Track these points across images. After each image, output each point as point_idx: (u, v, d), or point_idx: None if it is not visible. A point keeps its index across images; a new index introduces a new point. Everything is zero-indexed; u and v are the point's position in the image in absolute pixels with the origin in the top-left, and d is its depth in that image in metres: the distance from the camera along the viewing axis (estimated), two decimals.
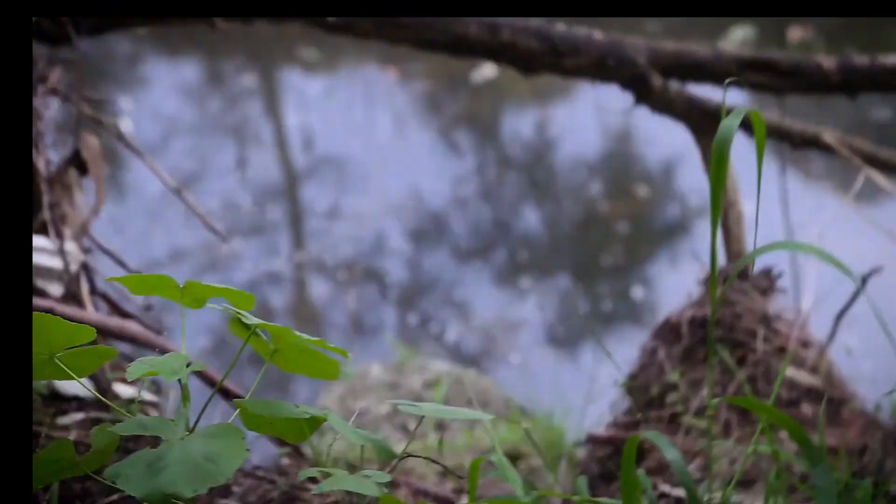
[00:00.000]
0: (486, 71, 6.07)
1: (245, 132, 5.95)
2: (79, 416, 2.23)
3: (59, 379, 1.71)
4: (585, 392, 3.24)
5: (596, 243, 5.13)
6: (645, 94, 2.82)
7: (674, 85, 2.82)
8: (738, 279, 2.74)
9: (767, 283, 2.75)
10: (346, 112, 6.05)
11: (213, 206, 5.05)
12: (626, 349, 4.25)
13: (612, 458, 2.65)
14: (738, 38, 5.98)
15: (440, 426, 3.33)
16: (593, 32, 2.85)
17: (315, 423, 1.67)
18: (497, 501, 1.84)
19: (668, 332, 2.72)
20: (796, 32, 6.07)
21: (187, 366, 1.63)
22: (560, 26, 2.84)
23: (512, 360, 4.55)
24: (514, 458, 3.13)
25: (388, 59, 6.36)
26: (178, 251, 4.94)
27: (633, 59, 2.80)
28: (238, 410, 1.62)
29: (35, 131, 2.44)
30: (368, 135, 5.95)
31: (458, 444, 3.22)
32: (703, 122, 2.81)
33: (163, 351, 2.40)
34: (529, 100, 6.13)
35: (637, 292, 4.73)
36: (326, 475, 1.62)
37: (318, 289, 4.97)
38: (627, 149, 5.88)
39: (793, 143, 2.83)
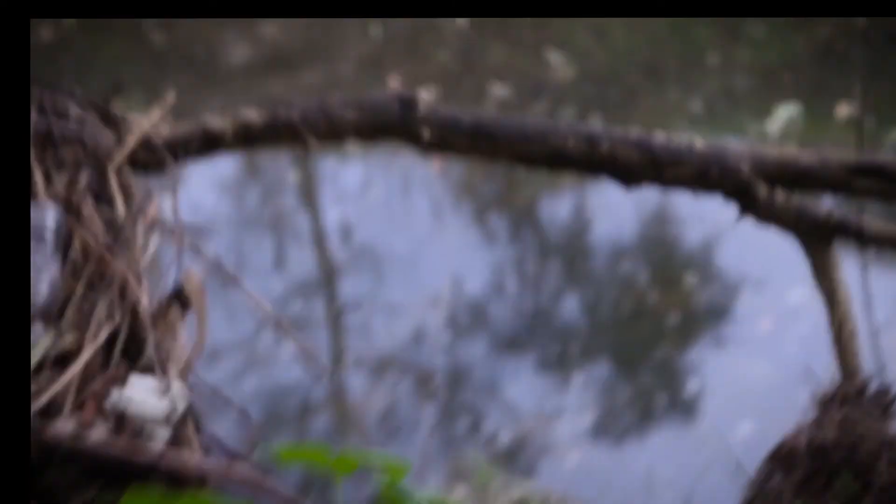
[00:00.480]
0: None
1: (282, 225, 5.88)
2: None
3: None
4: None
5: (644, 332, 5.03)
6: (750, 205, 2.74)
7: (780, 195, 2.74)
8: (855, 399, 2.65)
9: (887, 401, 2.66)
10: (383, 203, 5.98)
11: (249, 303, 4.93)
12: (675, 442, 4.15)
13: None
14: (783, 117, 5.92)
15: None
16: (694, 143, 2.77)
17: None
18: None
19: (784, 457, 2.62)
20: (844, 109, 6.03)
21: None
22: (660, 136, 2.77)
23: (560, 458, 4.44)
24: None
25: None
26: (217, 348, 4.86)
27: (737, 169, 2.72)
28: None
29: (138, 268, 2.37)
30: (406, 225, 5.88)
31: None
32: (813, 232, 2.73)
33: (274, 494, 2.31)
34: (566, 185, 6.07)
35: (683, 381, 4.64)
36: None
37: (357, 385, 4.88)
38: (664, 231, 5.80)
39: None
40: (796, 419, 2.75)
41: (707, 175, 2.72)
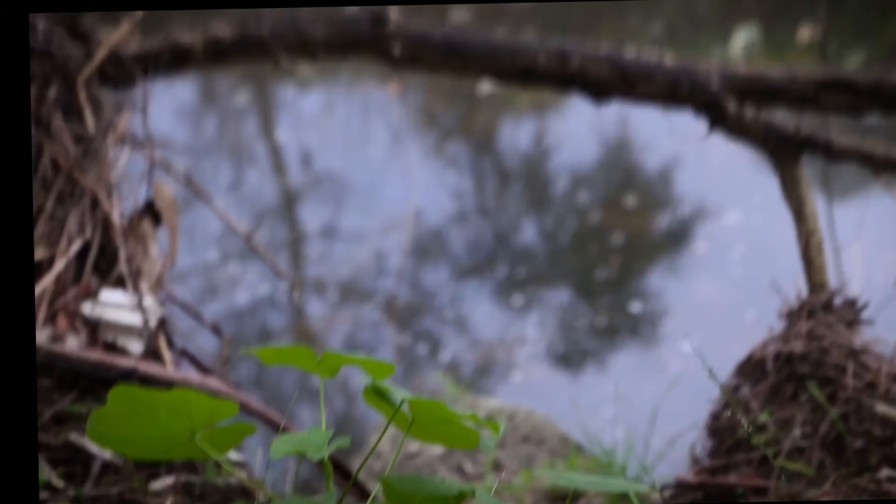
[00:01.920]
0: (487, 86, 6.01)
1: (240, 151, 5.84)
2: (169, 479, 2.14)
3: (198, 458, 1.65)
4: (644, 426, 3.16)
5: (595, 255, 5.06)
6: (719, 120, 2.75)
7: (749, 110, 2.75)
8: (821, 312, 2.67)
9: (853, 314, 2.68)
10: (342, 128, 5.95)
11: (211, 229, 4.94)
12: (630, 362, 4.18)
13: None
14: (741, 40, 5.93)
15: (496, 466, 3.25)
16: (664, 58, 2.78)
17: (460, 499, 1.61)
18: None
19: (752, 368, 2.64)
20: (805, 33, 6.02)
21: (329, 442, 1.58)
22: (630, 52, 2.77)
23: (519, 379, 4.47)
24: (574, 497, 3.03)
25: (386, 75, 6.27)
26: (178, 274, 4.84)
27: (706, 85, 2.73)
28: (381, 486, 1.57)
29: (108, 182, 2.36)
30: (366, 150, 5.85)
31: (515, 485, 3.13)
32: (781, 147, 2.74)
33: (245, 406, 2.33)
34: (529, 112, 6.07)
35: (638, 305, 4.67)
36: None
37: (318, 310, 4.88)
38: (625, 158, 5.81)
39: (875, 166, 2.77)
40: (741, 336, 2.79)
41: (677, 90, 2.73)
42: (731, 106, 2.74)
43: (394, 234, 5.25)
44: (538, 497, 2.89)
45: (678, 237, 4.92)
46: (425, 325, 4.76)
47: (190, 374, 2.34)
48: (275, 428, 2.31)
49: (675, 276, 4.78)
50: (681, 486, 2.56)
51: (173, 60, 2.63)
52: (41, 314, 2.22)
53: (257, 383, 3.98)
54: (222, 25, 2.71)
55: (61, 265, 2.30)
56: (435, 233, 5.30)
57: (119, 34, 2.63)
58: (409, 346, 4.72)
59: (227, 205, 5.20)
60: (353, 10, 2.76)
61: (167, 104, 5.82)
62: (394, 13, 2.78)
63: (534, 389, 4.31)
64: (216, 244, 4.95)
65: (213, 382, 2.31)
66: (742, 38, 5.78)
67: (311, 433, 1.60)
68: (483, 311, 4.79)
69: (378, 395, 1.60)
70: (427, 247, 5.17)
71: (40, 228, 2.37)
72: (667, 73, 2.74)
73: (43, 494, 1.87)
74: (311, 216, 5.41)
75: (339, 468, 2.29)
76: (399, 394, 1.62)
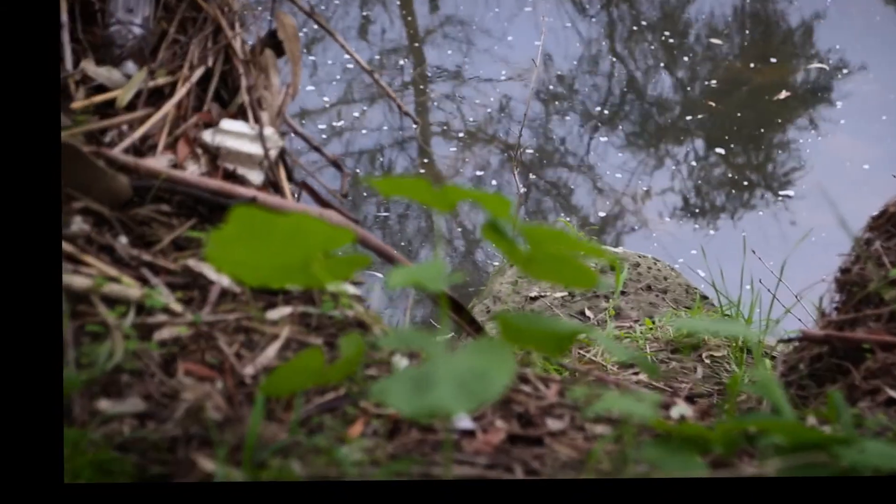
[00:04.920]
0: None
1: None
2: (286, 310, 2.12)
3: (313, 287, 1.64)
4: (772, 280, 3.09)
5: (730, 108, 4.95)
6: None
7: None
8: None
9: None
10: None
11: (334, 68, 4.92)
12: (762, 216, 4.09)
13: (823, 359, 2.48)
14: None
15: (618, 313, 3.21)
16: None
17: (574, 338, 1.58)
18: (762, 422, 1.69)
19: (886, 223, 2.55)
20: None
21: (446, 276, 1.56)
22: None
23: (646, 230, 4.41)
24: (695, 347, 2.98)
25: None
26: (301, 112, 4.83)
27: None
28: (498, 323, 1.55)
29: (232, 10, 2.32)
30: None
31: (636, 332, 3.08)
32: None
33: (364, 240, 2.30)
34: None
35: (773, 158, 4.58)
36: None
37: (443, 153, 4.87)
38: (764, 8, 5.67)
39: None
40: (876, 192, 2.71)
41: None
42: None
43: (522, 80, 5.20)
44: (659, 345, 2.85)
45: (817, 91, 4.80)
46: (551, 173, 4.72)
47: (309, 206, 2.31)
48: (392, 264, 2.28)
49: (811, 130, 4.67)
50: (806, 339, 2.49)
51: None
52: (162, 140, 2.20)
53: (379, 225, 3.97)
54: None
55: (183, 92, 2.27)
56: (564, 80, 5.23)
57: None
58: (534, 193, 4.70)
59: (354, 46, 5.15)
60: None
61: None
62: None
63: (661, 240, 4.26)
64: (340, 83, 4.94)
65: (332, 214, 2.28)
66: None
67: (428, 266, 1.58)
68: (611, 161, 4.73)
69: (496, 231, 1.56)
70: (556, 94, 5.11)
71: (163, 55, 2.35)
72: None
73: (162, 318, 1.87)
74: (438, 59, 5.36)
75: (456, 305, 2.26)
76: (518, 224, 1.59)
